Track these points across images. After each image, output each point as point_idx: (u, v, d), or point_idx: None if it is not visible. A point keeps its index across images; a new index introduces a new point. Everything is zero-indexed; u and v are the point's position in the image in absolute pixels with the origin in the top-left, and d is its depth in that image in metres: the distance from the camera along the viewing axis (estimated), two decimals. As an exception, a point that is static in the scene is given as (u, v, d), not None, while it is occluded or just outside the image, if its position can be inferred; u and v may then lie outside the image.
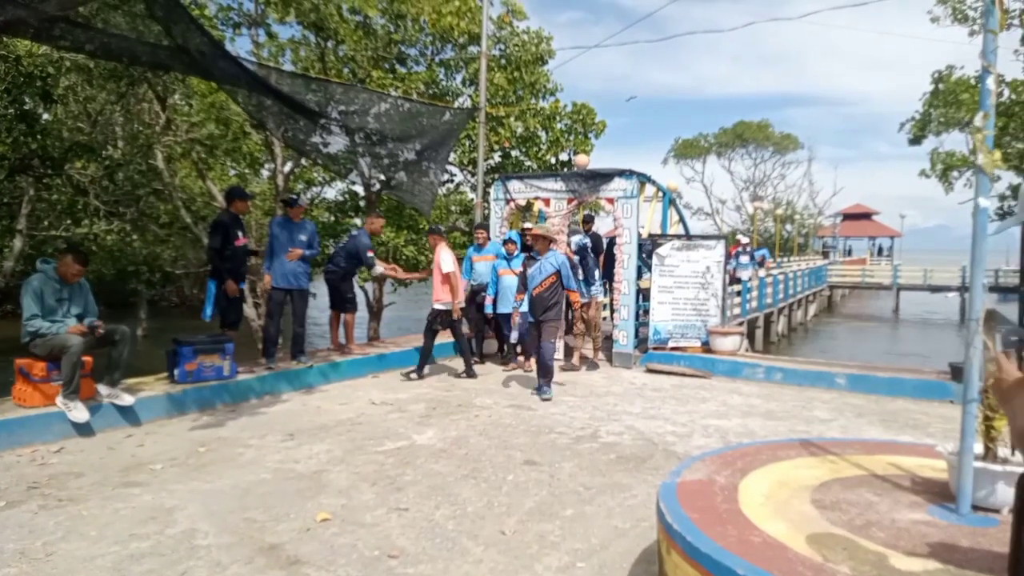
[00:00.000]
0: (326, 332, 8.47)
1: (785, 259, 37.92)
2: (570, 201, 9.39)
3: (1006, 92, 17.54)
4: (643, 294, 9.47)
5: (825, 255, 45.73)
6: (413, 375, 8.02)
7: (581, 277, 8.51)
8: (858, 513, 2.98)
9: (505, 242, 8.78)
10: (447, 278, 7.87)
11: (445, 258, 7.90)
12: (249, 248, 7.72)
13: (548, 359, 7.14)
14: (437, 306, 8.01)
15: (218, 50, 5.38)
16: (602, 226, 13.85)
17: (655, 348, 9.07)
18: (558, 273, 7.13)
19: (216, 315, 7.13)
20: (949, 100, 19.20)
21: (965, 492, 2.97)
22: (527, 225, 9.88)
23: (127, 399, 5.73)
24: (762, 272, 21.56)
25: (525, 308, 7.65)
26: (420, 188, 8.94)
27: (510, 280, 8.41)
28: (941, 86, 19.49)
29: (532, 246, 7.94)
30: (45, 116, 12.45)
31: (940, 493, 3.19)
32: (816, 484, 3.34)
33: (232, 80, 6.24)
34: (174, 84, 12.41)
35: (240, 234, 7.19)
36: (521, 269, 8.00)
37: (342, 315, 8.60)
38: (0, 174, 12.34)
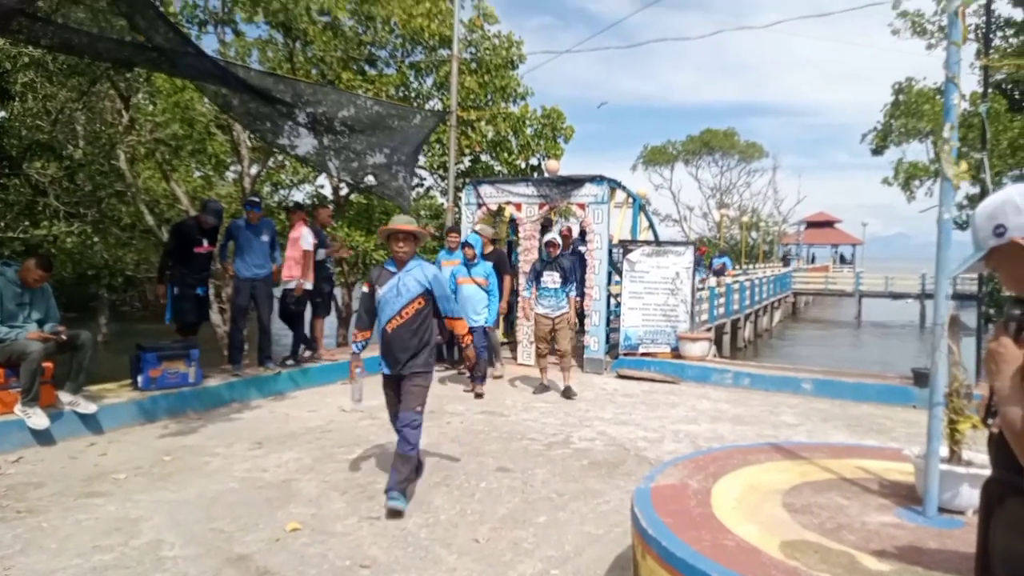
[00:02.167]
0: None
1: (749, 266, 38.46)
2: (541, 206, 9.41)
3: (964, 104, 18.07)
4: (613, 299, 9.52)
5: (786, 262, 45.19)
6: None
7: (565, 282, 7.56)
8: (829, 516, 3.02)
9: (463, 246, 7.91)
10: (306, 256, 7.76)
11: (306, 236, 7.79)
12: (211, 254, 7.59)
13: (410, 448, 4.26)
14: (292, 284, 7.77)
15: (186, 44, 5.27)
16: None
17: (626, 354, 9.12)
18: (429, 294, 4.36)
19: (176, 319, 7.03)
20: (911, 111, 19.70)
21: (932, 495, 3.04)
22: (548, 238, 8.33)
23: (89, 407, 5.57)
24: (726, 280, 21.83)
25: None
26: (389, 191, 8.87)
27: (470, 290, 7.70)
28: (902, 97, 19.99)
29: (550, 251, 7.51)
30: (1, 114, 12.09)
31: (907, 496, 3.26)
32: (787, 488, 3.39)
33: (200, 75, 6.13)
34: (137, 82, 12.14)
35: (205, 242, 7.13)
36: (481, 279, 7.69)
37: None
38: (-46, 174, 11.94)
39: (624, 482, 4.73)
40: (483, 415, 6.68)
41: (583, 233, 9.95)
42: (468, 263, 7.78)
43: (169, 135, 12.73)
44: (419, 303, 4.34)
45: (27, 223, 14.58)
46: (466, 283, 7.75)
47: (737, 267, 35.71)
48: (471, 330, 7.38)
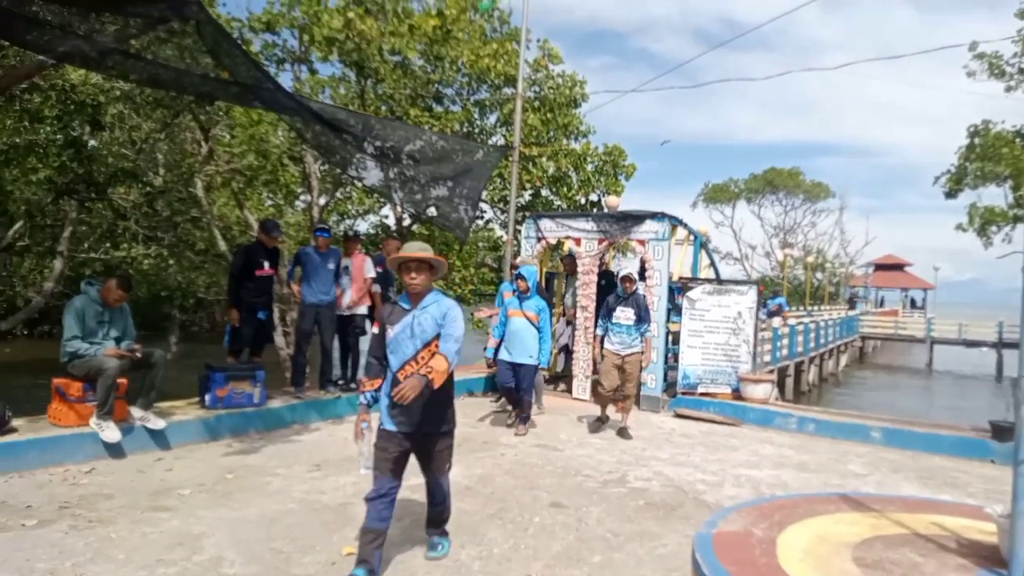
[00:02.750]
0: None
1: (814, 308, 37.32)
2: (601, 242, 9.40)
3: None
4: (672, 337, 9.37)
5: (852, 305, 43.29)
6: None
7: (639, 320, 7.23)
8: (902, 574, 2.88)
9: (516, 278, 7.49)
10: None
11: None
12: (276, 278, 7.77)
13: (443, 505, 3.99)
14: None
15: (267, 80, 5.53)
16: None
17: (684, 393, 8.94)
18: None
19: (237, 341, 7.18)
20: (988, 154, 19.01)
21: (1019, 557, 2.85)
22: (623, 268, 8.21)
23: (158, 423, 5.77)
24: (778, 322, 21.11)
25: (505, 355, 7.23)
26: (449, 223, 9.00)
27: (520, 323, 7.28)
28: (978, 140, 19.33)
29: (625, 286, 7.21)
30: (92, 143, 12.86)
31: (989, 557, 3.07)
32: (857, 541, 3.24)
33: (278, 108, 6.41)
34: (217, 116, 12.77)
35: (266, 264, 7.24)
36: (532, 313, 7.27)
37: None
38: (46, 197, 12.74)
39: (682, 526, 4.60)
40: (537, 448, 6.63)
41: (642, 270, 9.86)
42: (521, 296, 7.41)
43: (245, 165, 13.30)
44: (437, 346, 3.65)
45: (108, 245, 15.41)
46: (516, 316, 7.36)
47: (800, 308, 34.71)
48: (523, 367, 7.28)
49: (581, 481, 5.60)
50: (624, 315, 7.22)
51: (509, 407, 7.77)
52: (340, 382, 8.12)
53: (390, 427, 3.67)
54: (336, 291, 7.75)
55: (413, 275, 3.64)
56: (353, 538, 4.10)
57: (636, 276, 7.42)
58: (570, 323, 9.69)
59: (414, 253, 3.66)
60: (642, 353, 7.33)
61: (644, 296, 7.66)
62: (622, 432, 7.34)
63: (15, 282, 17.60)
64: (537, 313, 7.34)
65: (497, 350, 7.48)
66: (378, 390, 3.75)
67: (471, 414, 8.13)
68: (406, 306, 3.71)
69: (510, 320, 7.39)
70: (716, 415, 8.43)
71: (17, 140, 11.61)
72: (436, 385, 3.50)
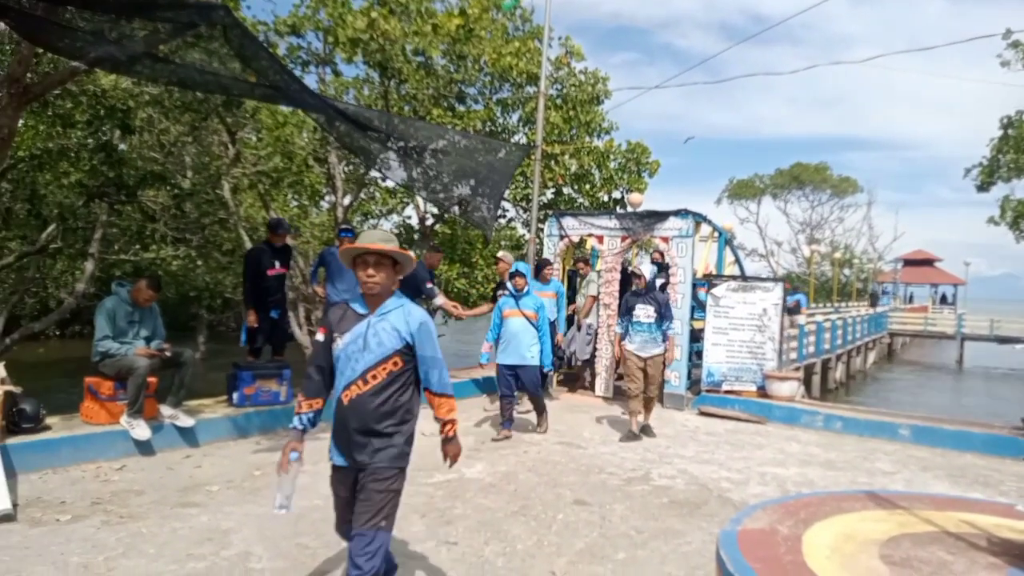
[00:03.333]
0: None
1: (841, 304, 36.73)
2: (624, 239, 9.37)
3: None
4: (696, 335, 9.32)
5: (873, 302, 39.39)
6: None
7: (661, 319, 6.99)
8: (931, 572, 2.84)
9: (512, 275, 7.05)
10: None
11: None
12: (287, 278, 7.65)
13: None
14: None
15: (293, 82, 5.60)
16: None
17: (708, 391, 8.88)
18: (410, 352, 3.01)
19: (253, 341, 7.18)
20: (1022, 146, 18.57)
21: (1050, 556, 2.80)
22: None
23: (188, 421, 5.88)
24: (799, 319, 20.66)
25: (504, 358, 6.89)
26: (474, 220, 9.04)
27: (518, 324, 6.90)
28: (1011, 131, 18.88)
29: (637, 282, 6.97)
30: (122, 146, 13.10)
31: (1021, 556, 3.02)
32: (884, 539, 3.20)
33: (304, 107, 6.50)
34: (244, 119, 12.93)
35: (277, 264, 7.17)
36: (530, 311, 6.91)
37: None
38: (78, 200, 13.00)
39: (707, 523, 4.58)
40: (560, 446, 6.63)
41: (661, 266, 9.81)
42: (517, 294, 6.96)
43: (271, 167, 13.47)
44: (394, 364, 2.92)
45: (138, 246, 15.68)
46: (513, 315, 6.92)
47: (826, 305, 34.10)
48: (524, 369, 6.87)
49: (605, 479, 5.59)
50: (644, 312, 6.99)
51: (504, 416, 7.04)
52: None
53: (336, 460, 3.02)
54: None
55: (371, 271, 2.89)
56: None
57: (643, 271, 7.11)
58: (580, 328, 9.50)
59: (372, 244, 2.88)
60: (664, 353, 7.14)
61: (666, 293, 7.42)
62: (645, 430, 7.27)
63: (47, 284, 17.99)
64: (535, 311, 6.97)
65: (489, 354, 7.16)
66: (319, 412, 3.05)
67: (493, 412, 8.16)
68: (360, 310, 2.96)
69: (506, 321, 6.95)
70: (741, 413, 8.36)
71: (50, 145, 11.87)
72: (451, 431, 3.14)
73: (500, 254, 9.14)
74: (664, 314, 7.03)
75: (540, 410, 7.22)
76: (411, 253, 2.94)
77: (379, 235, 2.95)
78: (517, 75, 13.06)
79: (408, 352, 2.95)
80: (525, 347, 6.90)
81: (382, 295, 2.94)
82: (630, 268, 7.29)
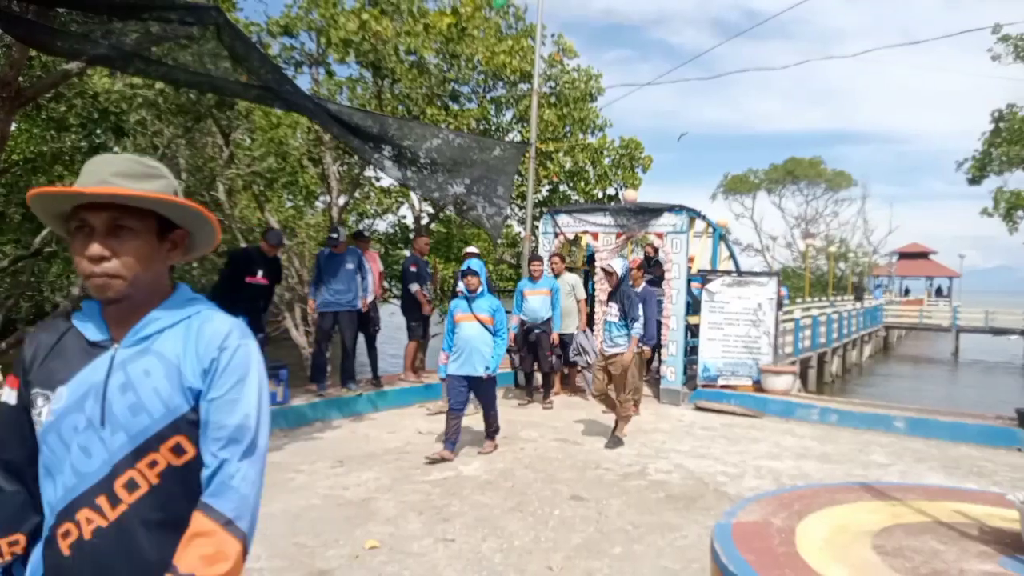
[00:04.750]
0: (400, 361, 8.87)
1: (836, 298, 36.76)
2: (619, 235, 9.40)
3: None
4: (691, 330, 9.35)
5: (858, 295, 37.83)
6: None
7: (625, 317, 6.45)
8: (923, 561, 2.87)
9: (463, 274, 6.15)
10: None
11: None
12: (268, 288, 7.35)
13: None
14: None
15: (285, 83, 5.61)
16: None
17: (704, 386, 8.92)
18: (192, 424, 1.35)
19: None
20: (1013, 138, 18.63)
21: (1039, 543, 2.84)
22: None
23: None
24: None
25: (456, 368, 5.99)
26: (470, 219, 9.06)
27: (472, 329, 6.00)
28: (1002, 124, 18.95)
29: (609, 280, 6.45)
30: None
31: (1012, 544, 3.05)
32: (877, 529, 3.23)
33: (299, 109, 6.51)
34: (238, 120, 12.92)
35: (260, 273, 7.03)
36: (485, 315, 6.02)
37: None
38: (72, 203, 13.01)
39: (703, 517, 4.61)
40: (557, 442, 6.66)
41: (651, 261, 9.84)
42: (469, 295, 6.07)
43: (265, 168, 13.45)
44: (173, 451, 1.34)
45: (133, 250, 15.65)
46: (467, 320, 6.03)
47: (811, 299, 34.02)
48: (479, 381, 5.96)
49: (601, 474, 5.62)
50: (610, 311, 6.54)
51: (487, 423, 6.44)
52: (374, 381, 8.25)
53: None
54: (359, 290, 7.79)
55: (95, 247, 1.31)
56: (375, 532, 4.18)
57: (614, 269, 6.46)
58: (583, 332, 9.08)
59: (97, 187, 1.30)
60: (623, 355, 6.49)
61: (632, 290, 6.71)
62: (612, 440, 6.59)
63: (43, 288, 17.96)
64: (491, 315, 6.09)
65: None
66: (21, 558, 1.38)
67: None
68: (95, 336, 1.39)
69: (459, 326, 6.05)
70: (737, 407, 8.41)
71: (44, 148, 11.85)
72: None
73: (468, 250, 9.08)
74: (628, 312, 6.43)
75: (492, 431, 6.36)
76: (201, 208, 1.37)
77: (119, 164, 1.35)
78: (510, 73, 13.07)
79: (191, 421, 1.35)
80: (479, 357, 5.98)
81: (134, 297, 1.37)
82: (600, 264, 7.07)
